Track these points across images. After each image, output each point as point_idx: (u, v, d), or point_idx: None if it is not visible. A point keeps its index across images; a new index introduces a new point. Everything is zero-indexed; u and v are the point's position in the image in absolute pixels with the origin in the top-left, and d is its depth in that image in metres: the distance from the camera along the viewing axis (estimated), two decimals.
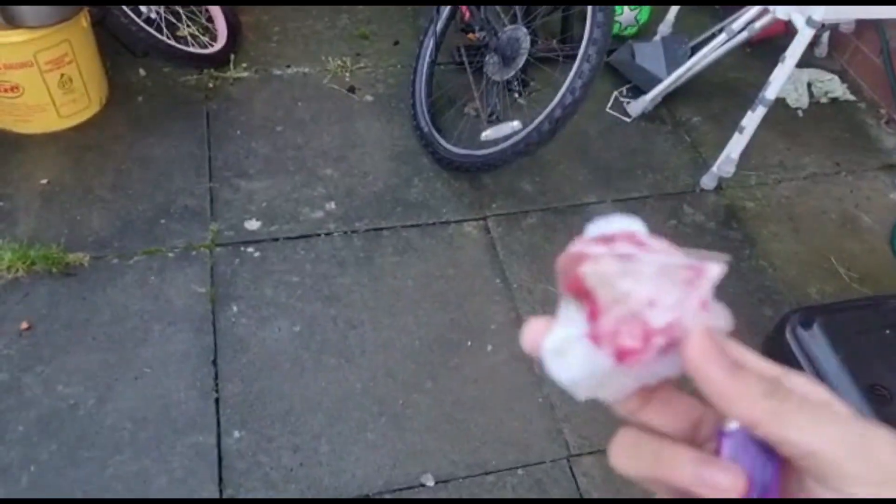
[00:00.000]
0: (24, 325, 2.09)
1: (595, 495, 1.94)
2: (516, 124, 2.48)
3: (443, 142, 2.61)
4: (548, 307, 2.28)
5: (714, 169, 2.59)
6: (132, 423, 1.97)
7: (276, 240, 2.38)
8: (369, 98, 2.84)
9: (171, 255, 2.30)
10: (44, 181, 2.44)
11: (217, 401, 2.02)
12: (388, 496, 1.89)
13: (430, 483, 1.93)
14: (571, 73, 2.32)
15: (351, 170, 2.60)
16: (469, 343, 2.20)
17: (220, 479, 1.89)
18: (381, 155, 2.67)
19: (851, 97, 3.07)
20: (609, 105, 2.88)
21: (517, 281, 2.35)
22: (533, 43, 2.58)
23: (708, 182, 2.64)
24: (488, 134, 2.51)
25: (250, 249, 2.35)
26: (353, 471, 1.93)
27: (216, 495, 1.86)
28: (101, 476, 1.87)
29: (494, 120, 2.60)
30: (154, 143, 2.59)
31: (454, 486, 1.93)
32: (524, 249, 2.43)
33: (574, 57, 2.34)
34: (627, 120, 2.84)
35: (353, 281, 2.31)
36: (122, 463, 1.90)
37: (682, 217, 2.58)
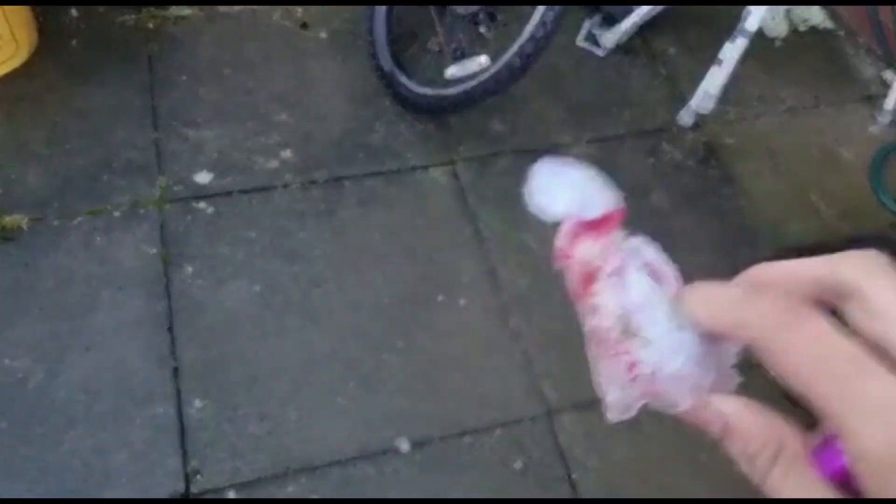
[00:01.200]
0: None
1: (577, 452, 1.88)
2: (483, 60, 2.32)
3: (405, 81, 2.44)
4: (522, 257, 2.17)
5: (692, 105, 2.47)
6: (86, 395, 1.84)
7: (230, 193, 2.22)
8: (323, 35, 2.65)
9: (116, 213, 2.13)
10: None
11: (175, 369, 1.90)
12: (361, 463, 1.81)
13: (405, 447, 1.85)
14: (542, 6, 2.16)
15: (307, 114, 2.43)
16: (440, 298, 2.09)
17: (184, 452, 1.79)
18: (339, 97, 2.50)
19: (830, 25, 2.95)
20: (581, 37, 2.72)
21: (489, 230, 2.23)
22: None
23: (686, 118, 2.52)
24: (453, 71, 2.35)
25: (202, 205, 2.19)
26: (324, 437, 1.84)
27: (180, 468, 1.76)
28: (55, 452, 1.76)
29: (459, 56, 2.43)
30: (91, 91, 2.38)
31: (430, 449, 1.85)
32: (496, 195, 2.31)
33: None
34: (600, 53, 2.69)
35: (314, 236, 2.17)
36: (77, 438, 1.78)
37: (660, 156, 2.47)
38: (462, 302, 2.09)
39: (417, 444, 1.85)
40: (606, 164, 2.40)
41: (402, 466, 1.82)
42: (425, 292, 2.10)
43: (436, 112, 2.45)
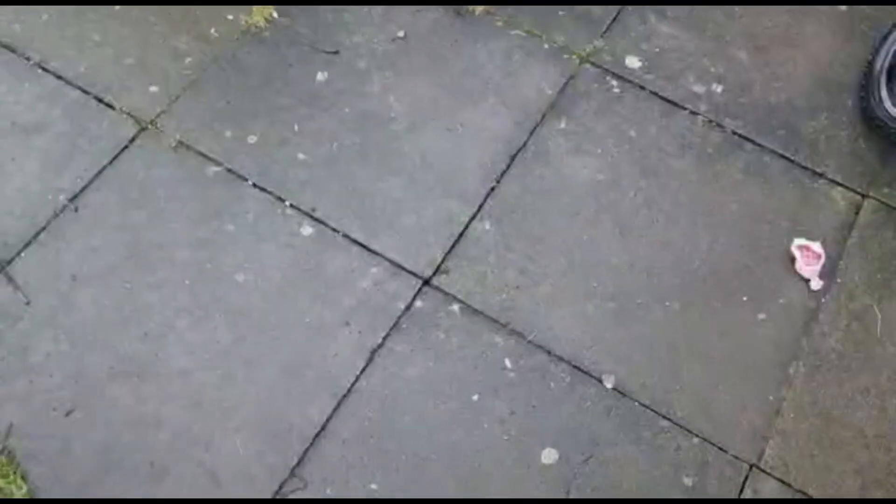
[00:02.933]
0: (401, 33, 2.27)
1: None
2: None
3: (884, 92, 2.15)
4: (852, 322, 1.91)
5: None
6: (421, 160, 2.10)
7: (643, 88, 2.23)
8: (843, 7, 2.41)
9: (546, 45, 2.28)
10: None
11: (492, 189, 2.06)
12: (564, 368, 1.84)
13: (609, 385, 1.83)
14: None
15: (764, 65, 2.29)
16: (745, 298, 1.95)
17: (450, 251, 1.97)
18: (807, 69, 2.30)
19: None
20: None
21: (844, 278, 1.98)
22: None
23: None
24: None
25: (614, 83, 2.24)
26: (555, 325, 1.90)
27: (438, 261, 1.95)
28: (372, 185, 2.05)
29: None
30: None
31: (626, 404, 1.81)
32: (880, 253, 2.01)
33: None
34: None
35: (683, 169, 2.12)
36: (393, 186, 2.05)
37: None
38: (761, 316, 1.92)
39: (620, 392, 1.83)
40: None
41: (592, 397, 1.82)
42: (737, 285, 1.96)
43: (891, 140, 2.15)
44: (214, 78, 2.19)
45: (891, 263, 2.01)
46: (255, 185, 2.03)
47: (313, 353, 1.84)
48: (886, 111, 2.11)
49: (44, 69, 2.16)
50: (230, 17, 2.28)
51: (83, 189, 2.00)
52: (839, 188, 2.12)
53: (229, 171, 2.05)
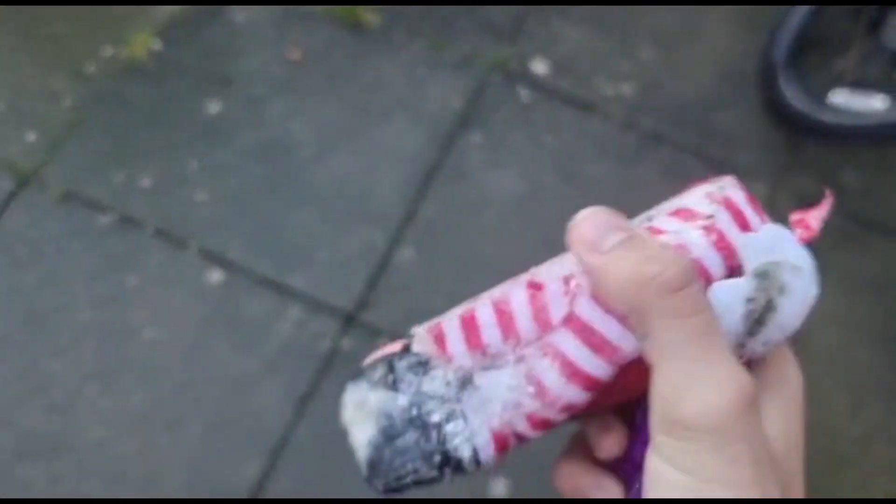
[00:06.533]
0: (297, 55, 2.15)
1: None
2: (878, 105, 2.01)
3: (785, 82, 2.18)
4: None
5: None
6: (332, 188, 1.99)
7: (554, 95, 2.19)
8: None
9: (450, 57, 2.21)
10: None
11: (410, 213, 1.97)
12: None
13: None
14: None
15: (672, 62, 2.29)
16: None
17: (372, 281, 1.88)
18: (713, 64, 2.31)
19: None
20: None
21: None
22: None
23: None
24: (840, 99, 2.07)
25: (524, 91, 2.19)
26: None
27: (361, 291, 1.85)
28: (282, 220, 1.93)
29: (857, 88, 2.11)
30: None
31: None
32: None
33: None
34: None
35: (603, 174, 2.09)
36: (305, 218, 1.94)
37: None
38: None
39: None
40: None
41: None
42: None
43: (797, 129, 2.18)
44: (98, 119, 2.02)
45: (810, 251, 2.03)
46: (154, 232, 1.88)
47: (238, 407, 1.72)
48: (790, 101, 2.14)
49: None
50: (108, 51, 2.11)
51: None
52: (755, 180, 2.13)
53: (124, 218, 1.89)
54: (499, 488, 1.70)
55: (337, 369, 1.77)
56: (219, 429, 1.70)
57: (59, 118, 2.00)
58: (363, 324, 1.83)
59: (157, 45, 2.12)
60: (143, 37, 2.10)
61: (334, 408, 1.67)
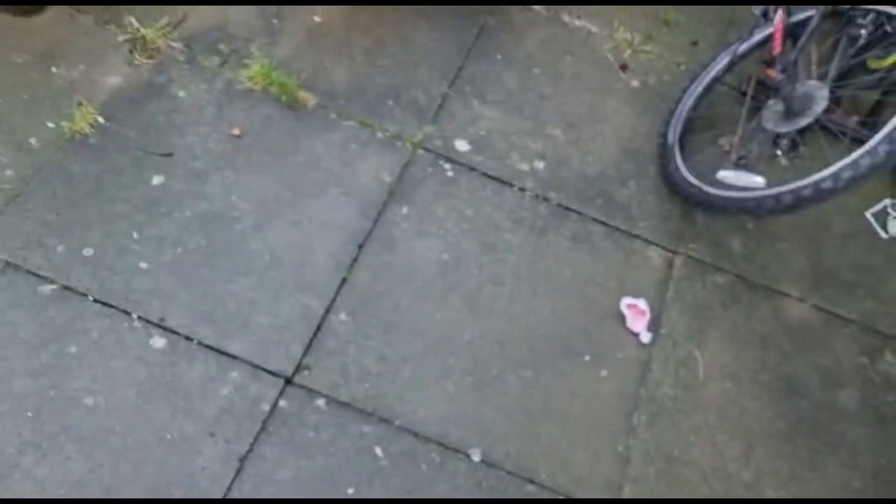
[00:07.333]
0: (237, 131, 2.29)
1: None
2: (759, 181, 2.28)
3: (678, 160, 2.45)
4: (683, 369, 2.13)
5: None
6: (270, 257, 2.11)
7: (474, 170, 2.39)
8: (635, 83, 2.72)
9: (379, 135, 2.39)
10: (317, 19, 2.60)
11: (344, 280, 2.11)
12: (433, 448, 1.91)
13: (476, 458, 1.92)
14: (847, 160, 2.07)
15: (577, 141, 2.53)
16: (587, 358, 2.12)
17: (309, 345, 1.99)
18: (614, 142, 2.56)
19: None
20: (872, 210, 2.55)
21: (668, 329, 2.21)
22: (828, 110, 2.32)
23: None
24: (726, 176, 2.32)
25: (447, 166, 2.38)
26: (418, 407, 1.96)
27: (299, 356, 1.97)
28: (222, 288, 2.04)
29: (741, 165, 2.39)
30: (424, 27, 2.67)
31: (494, 474, 1.90)
32: (694, 303, 2.27)
33: (862, 143, 2.08)
34: (883, 236, 2.51)
35: (517, 242, 2.28)
36: (244, 285, 2.05)
37: (875, 359, 2.27)
38: (604, 373, 2.10)
39: (487, 464, 1.92)
40: (818, 337, 2.27)
41: (463, 472, 1.90)
42: (579, 346, 2.13)
43: (689, 202, 2.43)
44: (40, 190, 2.08)
45: (704, 311, 2.26)
46: (95, 301, 1.95)
47: (179, 470, 1.78)
48: (683, 177, 2.40)
49: None
50: (51, 124, 2.19)
51: None
52: (653, 247, 2.36)
53: (66, 288, 1.95)
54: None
55: (275, 430, 1.86)
56: (158, 491, 1.75)
57: (1, 189, 2.05)
58: (300, 385, 1.93)
59: (100, 118, 2.22)
60: (87, 111, 2.19)
61: (273, 467, 1.82)
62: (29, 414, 1.79)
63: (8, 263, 1.96)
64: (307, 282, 2.09)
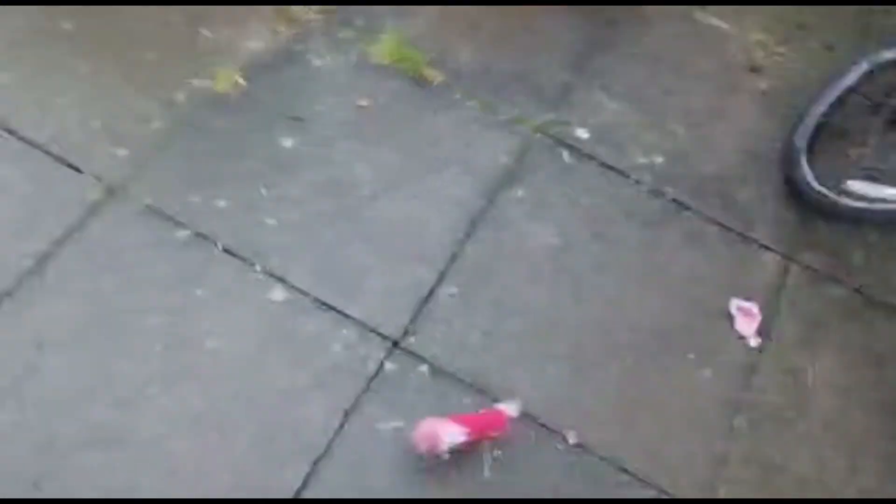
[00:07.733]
0: (364, 102, 2.37)
1: None
2: (892, 193, 2.21)
3: (804, 166, 2.39)
4: (786, 379, 2.09)
5: None
6: (387, 226, 2.18)
7: (592, 159, 2.40)
8: (763, 86, 2.66)
9: (501, 117, 2.43)
10: None
11: (455, 255, 2.16)
12: (527, 423, 1.93)
13: (571, 440, 1.94)
14: None
15: (699, 139, 2.50)
16: (691, 356, 2.10)
17: (416, 313, 2.04)
18: (736, 143, 2.52)
19: None
20: None
21: (777, 335, 2.16)
22: None
23: None
24: (855, 186, 2.27)
25: (565, 153, 2.40)
26: (516, 381, 1.99)
27: (405, 325, 2.02)
28: (341, 250, 2.12)
29: (871, 177, 2.32)
30: (552, 17, 2.69)
31: (586, 458, 1.92)
32: (808, 312, 2.21)
33: None
34: None
35: (628, 235, 2.28)
36: (361, 251, 2.12)
37: None
38: (707, 372, 2.08)
39: (582, 447, 1.93)
40: None
41: (557, 452, 1.92)
42: (683, 343, 2.12)
43: (813, 210, 2.38)
44: (182, 142, 2.23)
45: (817, 322, 2.21)
46: (224, 250, 2.07)
47: (287, 418, 1.87)
48: (808, 184, 2.35)
49: (7, 131, 2.15)
50: (196, 82, 2.33)
51: (49, 254, 1.99)
52: (769, 252, 2.32)
53: (198, 235, 2.08)
54: None
55: (380, 389, 1.93)
56: (267, 436, 1.85)
57: (148, 139, 2.21)
58: (406, 350, 2.00)
59: (241, 80, 2.34)
60: (229, 72, 2.33)
61: (375, 423, 1.91)
62: (157, 349, 1.92)
63: (149, 207, 2.10)
64: (420, 253, 2.15)
